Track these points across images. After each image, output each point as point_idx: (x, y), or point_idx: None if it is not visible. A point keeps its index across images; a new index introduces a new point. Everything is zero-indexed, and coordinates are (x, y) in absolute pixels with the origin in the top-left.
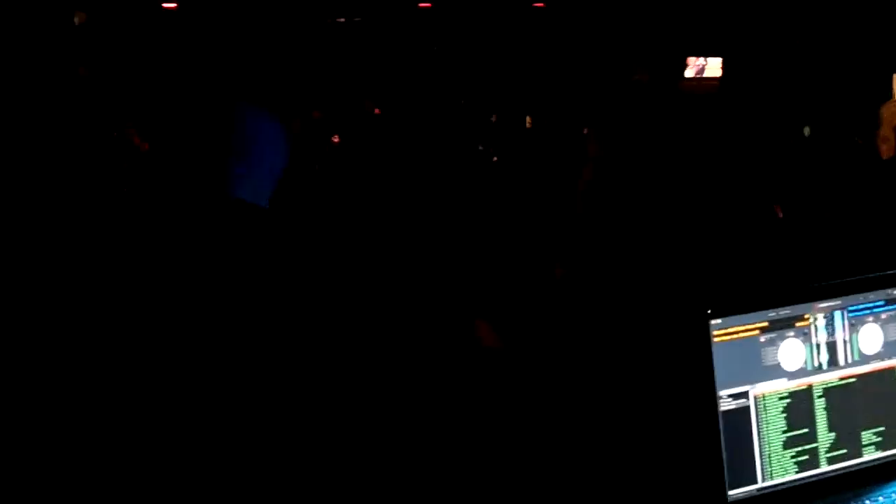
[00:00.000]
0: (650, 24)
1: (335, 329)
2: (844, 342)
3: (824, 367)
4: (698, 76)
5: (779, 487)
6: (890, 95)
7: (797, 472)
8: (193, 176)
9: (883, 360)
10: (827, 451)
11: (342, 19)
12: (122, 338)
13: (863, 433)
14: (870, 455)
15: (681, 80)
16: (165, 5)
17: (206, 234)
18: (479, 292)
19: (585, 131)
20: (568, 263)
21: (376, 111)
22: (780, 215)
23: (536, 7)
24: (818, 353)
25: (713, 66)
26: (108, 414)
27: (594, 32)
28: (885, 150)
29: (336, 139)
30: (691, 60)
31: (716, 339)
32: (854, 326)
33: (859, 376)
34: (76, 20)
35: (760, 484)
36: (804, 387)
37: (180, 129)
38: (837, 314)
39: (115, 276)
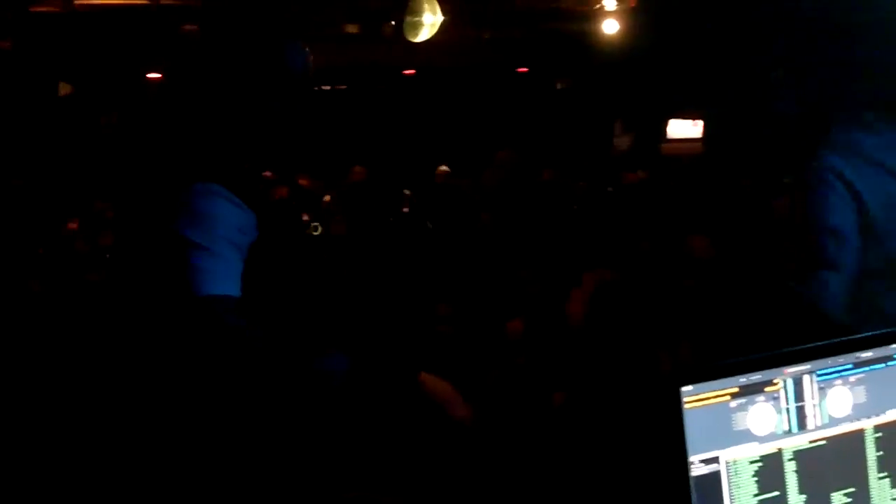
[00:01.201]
0: (632, 87)
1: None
2: (814, 406)
3: (794, 430)
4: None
5: None
6: None
7: None
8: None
9: (852, 422)
10: None
11: (327, 87)
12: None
13: (833, 495)
14: None
15: (663, 143)
16: (150, 76)
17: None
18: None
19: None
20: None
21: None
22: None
23: (520, 73)
24: (788, 417)
25: (695, 128)
26: None
27: (577, 97)
28: None
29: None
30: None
31: (687, 406)
32: (823, 390)
33: (829, 439)
34: (61, 92)
35: None
36: (774, 451)
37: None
38: (806, 378)
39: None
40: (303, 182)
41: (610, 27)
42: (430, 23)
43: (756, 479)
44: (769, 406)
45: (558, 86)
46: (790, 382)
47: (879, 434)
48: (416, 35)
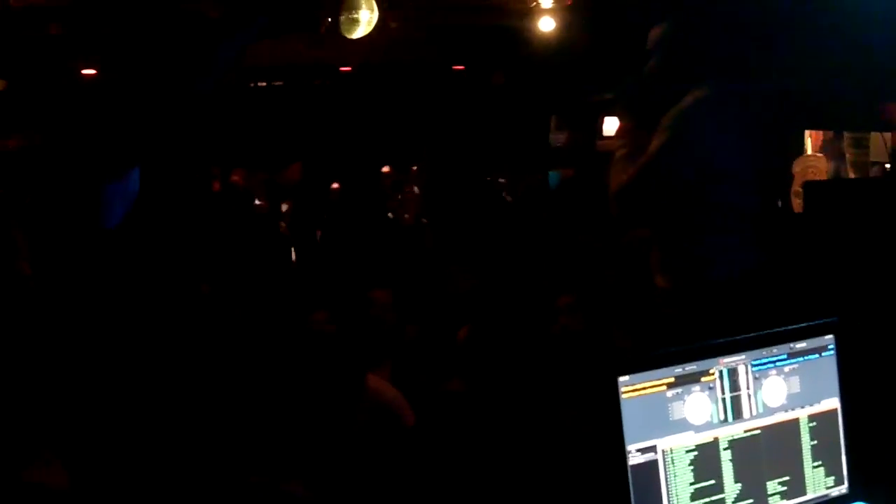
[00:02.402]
0: (568, 84)
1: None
2: (749, 395)
3: (730, 419)
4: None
5: None
6: (801, 152)
7: None
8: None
9: (786, 411)
10: (733, 502)
11: (263, 83)
12: None
13: (768, 483)
14: None
15: (598, 139)
16: (85, 72)
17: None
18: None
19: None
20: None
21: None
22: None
23: (456, 70)
24: (723, 406)
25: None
26: None
27: (513, 94)
28: (798, 205)
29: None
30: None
31: (624, 396)
32: (758, 380)
33: (764, 428)
34: None
35: None
36: (710, 440)
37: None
38: (741, 368)
39: None
40: (236, 178)
41: (546, 25)
42: (366, 20)
43: (692, 467)
44: (705, 396)
45: (494, 83)
46: (725, 372)
47: (814, 423)
48: (352, 32)
